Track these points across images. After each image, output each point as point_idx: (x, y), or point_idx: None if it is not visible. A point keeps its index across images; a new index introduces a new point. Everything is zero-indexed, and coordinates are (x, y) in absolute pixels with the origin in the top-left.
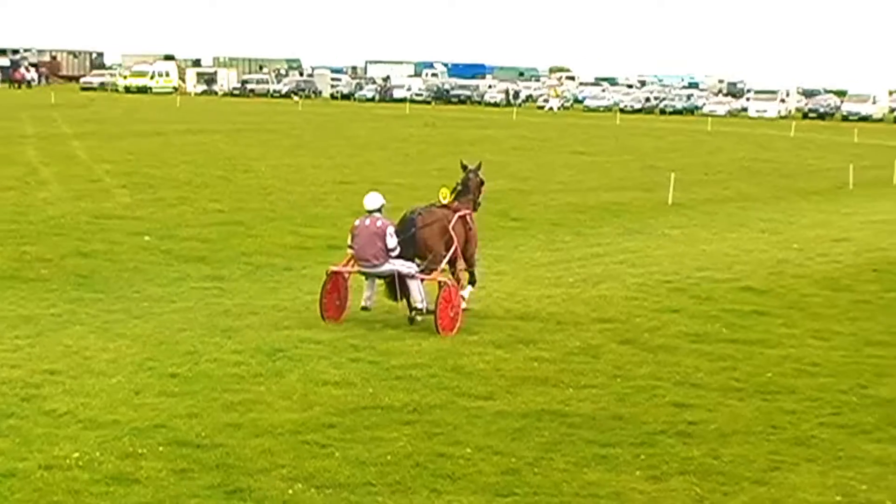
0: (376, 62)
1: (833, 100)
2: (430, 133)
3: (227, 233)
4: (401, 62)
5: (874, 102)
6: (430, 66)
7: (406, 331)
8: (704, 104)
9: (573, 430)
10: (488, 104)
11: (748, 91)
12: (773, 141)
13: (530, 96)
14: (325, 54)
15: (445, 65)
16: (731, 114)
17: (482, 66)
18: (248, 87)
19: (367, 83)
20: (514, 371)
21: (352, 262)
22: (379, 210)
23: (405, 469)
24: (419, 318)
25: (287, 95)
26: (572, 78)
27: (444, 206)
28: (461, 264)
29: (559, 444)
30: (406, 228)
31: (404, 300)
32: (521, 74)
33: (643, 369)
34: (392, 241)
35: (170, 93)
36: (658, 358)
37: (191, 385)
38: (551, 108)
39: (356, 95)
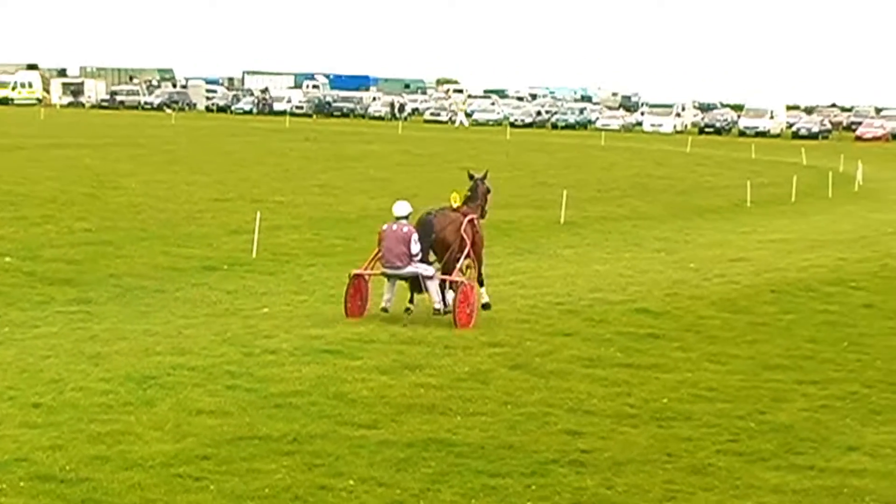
0: (254, 73)
1: (730, 114)
2: (311, 148)
3: (94, 253)
4: (280, 73)
5: (772, 117)
6: (311, 77)
7: (286, 356)
8: (598, 118)
9: (461, 460)
10: (372, 118)
11: (643, 105)
12: (669, 157)
13: (416, 109)
14: (199, 64)
15: (327, 76)
16: (625, 128)
17: (366, 77)
18: (118, 98)
19: (244, 95)
20: (400, 398)
21: (373, 264)
22: (406, 217)
23: (284, 503)
24: (434, 315)
25: (159, 108)
26: (460, 90)
27: (455, 209)
28: (465, 263)
29: (447, 475)
30: (425, 231)
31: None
32: (407, 86)
33: (534, 395)
34: (416, 247)
35: (33, 104)
36: (550, 383)
37: (55, 415)
38: (461, 123)
39: (233, 108)
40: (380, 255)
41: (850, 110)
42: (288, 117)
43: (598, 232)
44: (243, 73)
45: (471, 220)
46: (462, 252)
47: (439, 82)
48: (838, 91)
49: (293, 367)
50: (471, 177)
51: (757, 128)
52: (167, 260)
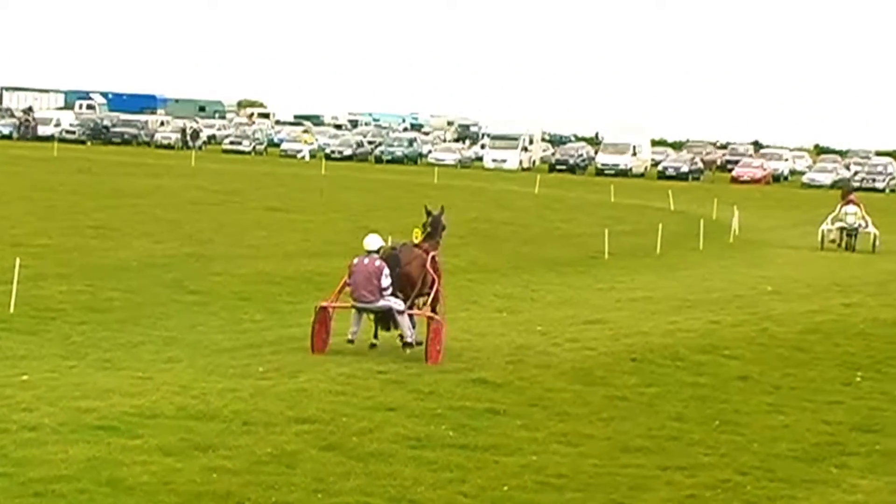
0: (14, 89)
1: (586, 149)
2: (84, 181)
3: None
4: (47, 90)
5: (634, 154)
6: (86, 96)
7: (49, 434)
8: (430, 151)
9: None
10: (160, 146)
11: (484, 136)
12: (514, 198)
13: (213, 137)
14: None
15: (105, 95)
16: (462, 164)
17: (152, 97)
18: None
19: (2, 116)
20: (188, 485)
21: (339, 297)
22: (378, 251)
23: None
24: (408, 350)
25: None
26: (266, 115)
27: (417, 245)
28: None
29: None
30: (391, 265)
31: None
32: (202, 109)
33: (351, 482)
34: (386, 281)
35: None
36: (369, 468)
37: None
38: (303, 158)
39: None
40: (350, 288)
41: (725, 147)
42: (56, 144)
43: None
44: (1, 88)
45: (433, 257)
46: (432, 287)
47: (241, 105)
48: (713, 125)
49: (58, 447)
50: (428, 213)
51: (617, 165)
52: None
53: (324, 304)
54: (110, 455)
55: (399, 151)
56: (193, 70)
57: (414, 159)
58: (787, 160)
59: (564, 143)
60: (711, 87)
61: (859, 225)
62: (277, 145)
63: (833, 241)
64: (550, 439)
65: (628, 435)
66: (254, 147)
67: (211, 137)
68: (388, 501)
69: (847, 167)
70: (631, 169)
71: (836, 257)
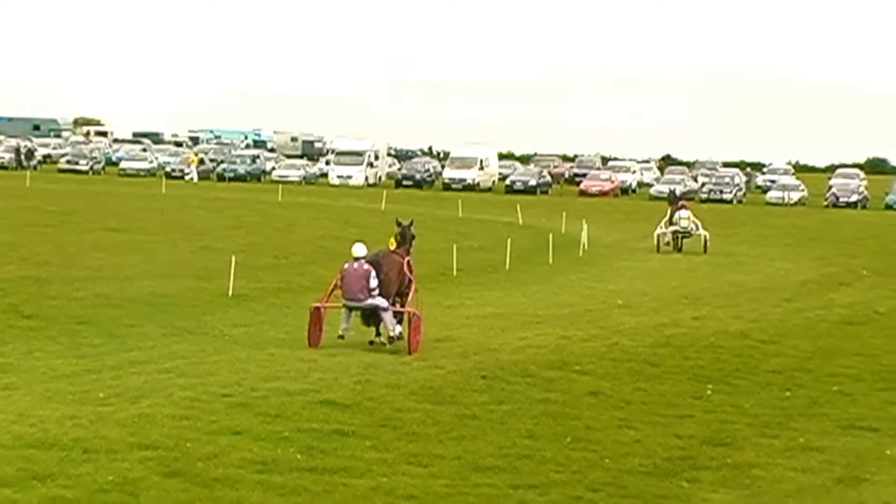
0: None
1: (432, 164)
2: None
3: None
4: None
5: (482, 168)
6: None
7: None
8: (274, 168)
9: None
10: None
11: (328, 152)
12: (360, 215)
13: (49, 156)
14: None
15: None
16: (307, 180)
17: None
18: None
19: None
20: None
21: (331, 297)
22: (364, 257)
23: None
24: (390, 344)
25: None
26: (104, 133)
27: (394, 252)
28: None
29: None
30: (375, 270)
31: (373, 327)
32: (37, 128)
33: None
34: (374, 282)
35: None
36: (215, 494)
37: None
38: (192, 179)
39: None
40: (341, 290)
41: (573, 160)
42: None
43: (275, 307)
44: None
45: (408, 261)
46: (410, 288)
47: (78, 123)
48: (561, 139)
49: None
50: (398, 224)
51: (464, 180)
52: None
53: (317, 304)
54: None
55: (242, 169)
56: (26, 87)
57: (257, 176)
58: (634, 172)
59: (411, 157)
60: (557, 100)
61: (691, 228)
62: (116, 164)
63: (667, 243)
64: (400, 460)
65: (479, 454)
66: (91, 166)
67: (46, 157)
68: None
69: (695, 178)
70: (478, 183)
71: (686, 270)
